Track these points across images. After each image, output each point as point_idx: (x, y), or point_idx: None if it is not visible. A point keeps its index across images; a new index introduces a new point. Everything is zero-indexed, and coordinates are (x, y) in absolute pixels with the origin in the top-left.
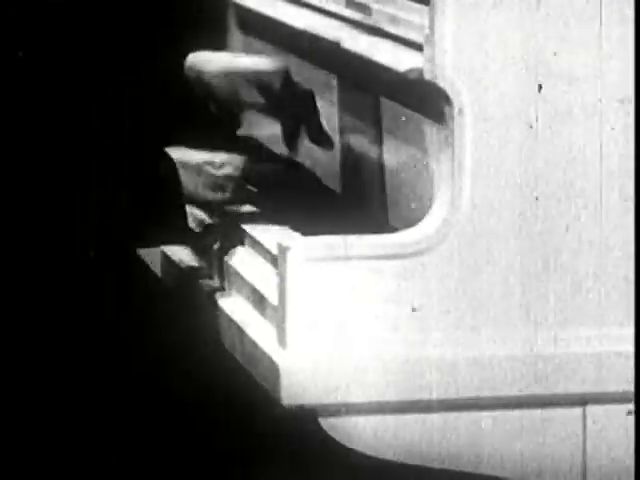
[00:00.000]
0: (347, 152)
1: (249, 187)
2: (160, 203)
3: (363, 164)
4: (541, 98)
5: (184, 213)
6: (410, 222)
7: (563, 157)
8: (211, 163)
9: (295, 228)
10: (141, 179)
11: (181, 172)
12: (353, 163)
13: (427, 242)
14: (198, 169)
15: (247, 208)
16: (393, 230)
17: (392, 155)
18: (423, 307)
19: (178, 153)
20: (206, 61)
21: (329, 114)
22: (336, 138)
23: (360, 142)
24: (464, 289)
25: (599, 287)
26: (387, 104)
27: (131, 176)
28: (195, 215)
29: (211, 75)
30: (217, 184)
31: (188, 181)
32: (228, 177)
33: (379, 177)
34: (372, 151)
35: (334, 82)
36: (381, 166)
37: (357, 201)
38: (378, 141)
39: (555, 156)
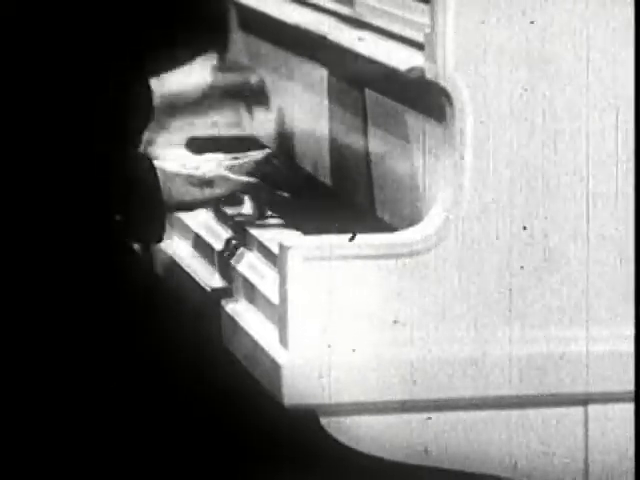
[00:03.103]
0: (340, 149)
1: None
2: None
3: (355, 160)
4: (542, 97)
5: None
6: (404, 218)
7: (563, 156)
8: (187, 166)
9: (290, 224)
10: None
11: (163, 180)
12: (344, 158)
13: (428, 241)
14: (177, 172)
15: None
16: (387, 226)
17: (384, 150)
18: (424, 306)
19: (155, 162)
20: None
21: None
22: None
23: (355, 139)
24: (465, 288)
25: (600, 287)
26: (387, 103)
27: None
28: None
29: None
30: (201, 181)
31: (169, 185)
32: (207, 174)
33: (370, 172)
34: (366, 147)
35: (335, 79)
36: (371, 162)
37: (349, 195)
38: (377, 139)
39: (555, 155)
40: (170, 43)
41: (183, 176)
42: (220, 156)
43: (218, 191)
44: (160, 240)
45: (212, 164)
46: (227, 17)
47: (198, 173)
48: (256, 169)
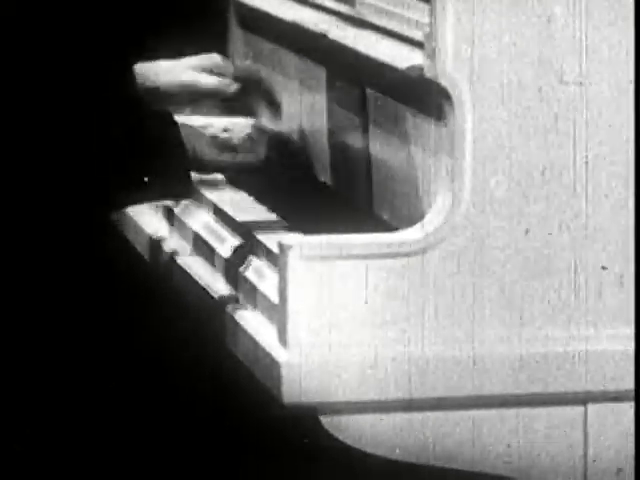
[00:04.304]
0: (340, 148)
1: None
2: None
3: (354, 159)
4: (541, 96)
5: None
6: (404, 217)
7: (563, 156)
8: (213, 126)
9: (290, 223)
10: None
11: (185, 134)
12: (344, 157)
13: (427, 241)
14: (202, 131)
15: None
16: (386, 225)
17: (383, 149)
18: (423, 306)
19: (181, 118)
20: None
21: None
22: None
23: (354, 138)
24: (464, 288)
25: (600, 286)
26: (387, 101)
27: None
28: None
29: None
30: (224, 145)
31: (194, 143)
32: (233, 139)
33: (369, 172)
34: (365, 146)
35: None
36: (371, 161)
37: (348, 195)
38: (377, 138)
39: (555, 154)
40: (168, 42)
41: (207, 136)
42: (249, 122)
43: (238, 159)
44: (188, 196)
45: (239, 130)
46: (226, 15)
47: (224, 135)
48: (278, 144)
